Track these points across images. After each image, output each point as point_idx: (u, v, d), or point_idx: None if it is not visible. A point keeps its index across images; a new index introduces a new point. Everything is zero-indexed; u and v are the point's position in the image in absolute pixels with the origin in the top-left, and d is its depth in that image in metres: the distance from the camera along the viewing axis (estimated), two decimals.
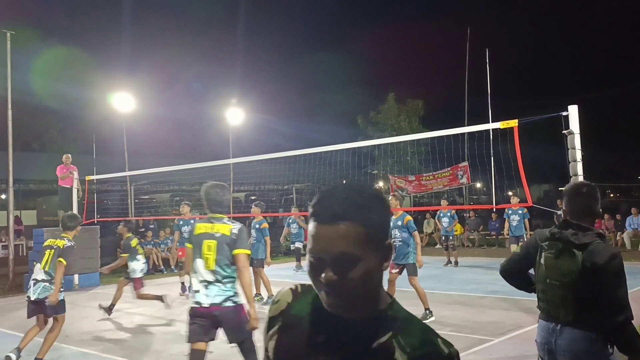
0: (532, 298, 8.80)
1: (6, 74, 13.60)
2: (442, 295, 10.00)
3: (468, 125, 13.28)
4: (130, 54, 43.36)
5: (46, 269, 6.10)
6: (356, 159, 14.06)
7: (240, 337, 4.31)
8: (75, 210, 13.24)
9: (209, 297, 4.28)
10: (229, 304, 4.27)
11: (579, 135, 6.62)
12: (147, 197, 25.83)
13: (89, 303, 10.61)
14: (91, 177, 13.71)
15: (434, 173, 21.66)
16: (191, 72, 44.83)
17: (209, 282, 4.30)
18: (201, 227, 4.45)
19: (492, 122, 7.78)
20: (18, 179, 19.03)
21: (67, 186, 13.34)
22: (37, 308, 6.18)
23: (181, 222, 11.91)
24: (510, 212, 12.96)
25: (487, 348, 6.33)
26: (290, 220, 15.40)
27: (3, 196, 24.32)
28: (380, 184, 28.70)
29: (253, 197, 31.66)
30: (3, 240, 15.77)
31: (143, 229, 17.06)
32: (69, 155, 13.63)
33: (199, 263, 4.35)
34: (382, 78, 52.97)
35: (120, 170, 15.23)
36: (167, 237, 16.51)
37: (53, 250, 6.12)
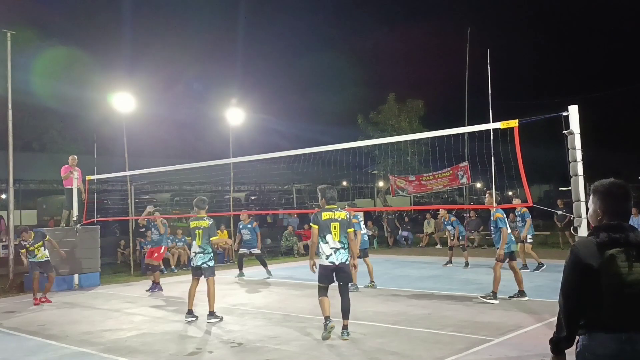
0: (533, 298, 8.83)
1: (6, 74, 13.58)
2: (443, 295, 10.00)
3: (468, 125, 13.24)
4: (130, 54, 43.40)
5: (199, 244, 8.38)
6: (356, 158, 14.03)
7: (348, 280, 7.14)
8: (75, 210, 13.24)
9: (338, 258, 6.90)
10: (347, 261, 7.01)
11: (579, 136, 6.62)
12: (147, 197, 25.82)
13: (89, 303, 10.62)
14: (91, 177, 13.69)
15: (434, 173, 21.64)
16: (191, 72, 44.89)
17: (337, 249, 6.91)
18: (325, 215, 6.99)
19: (493, 122, 7.77)
20: (18, 179, 18.98)
21: (69, 187, 13.34)
22: (198, 272, 8.45)
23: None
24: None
25: (487, 348, 6.32)
26: (241, 226, 13.97)
27: (3, 196, 24.32)
28: (381, 183, 28.69)
29: (253, 197, 31.68)
30: (3, 240, 15.75)
31: (143, 229, 17.03)
32: (75, 157, 13.61)
33: (329, 237, 6.92)
34: (382, 78, 52.98)
35: (120, 170, 15.19)
36: (168, 237, 16.48)
37: (201, 230, 8.38)
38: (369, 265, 11.18)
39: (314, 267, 7.07)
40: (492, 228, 9.47)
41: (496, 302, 9.01)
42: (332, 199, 7.16)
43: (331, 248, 6.90)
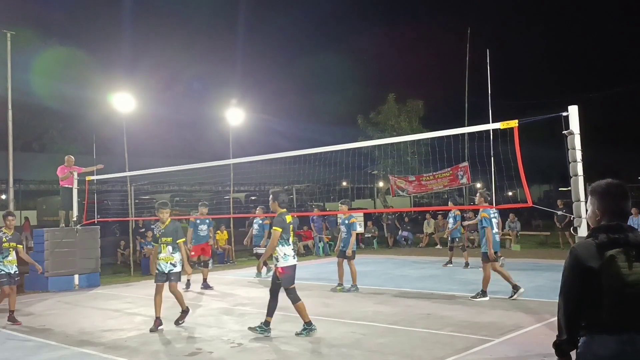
0: (533, 298, 8.82)
1: (6, 74, 13.58)
2: (443, 295, 10.00)
3: (468, 125, 13.26)
4: (130, 54, 43.40)
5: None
6: (356, 159, 14.02)
7: None
8: (75, 210, 13.24)
9: (296, 258, 7.39)
10: None
11: (579, 136, 6.62)
12: (147, 197, 25.84)
13: (89, 303, 10.62)
14: (91, 177, 13.67)
15: (434, 173, 21.63)
16: (191, 72, 44.92)
17: (294, 250, 7.37)
18: (288, 218, 7.29)
19: (492, 122, 7.78)
20: (18, 179, 19.02)
21: (68, 186, 13.33)
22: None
23: (198, 222, 12.35)
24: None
25: (487, 348, 6.32)
26: (254, 221, 14.26)
27: (3, 196, 24.34)
28: (381, 184, 28.70)
29: (253, 197, 31.69)
30: None
31: (143, 229, 17.04)
32: (72, 156, 13.61)
33: (289, 239, 7.25)
34: (382, 78, 53.00)
35: (120, 170, 15.18)
36: None
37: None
38: (353, 269, 10.86)
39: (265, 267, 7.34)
40: (479, 227, 9.74)
41: (486, 298, 9.28)
42: (284, 202, 7.53)
43: (292, 249, 7.30)
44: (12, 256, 8.73)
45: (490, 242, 9.29)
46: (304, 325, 7.19)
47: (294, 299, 7.16)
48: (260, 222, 13.78)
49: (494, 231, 9.45)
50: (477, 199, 9.94)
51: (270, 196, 7.52)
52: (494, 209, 9.53)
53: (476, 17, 49.99)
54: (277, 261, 7.19)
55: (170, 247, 8.01)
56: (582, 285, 2.64)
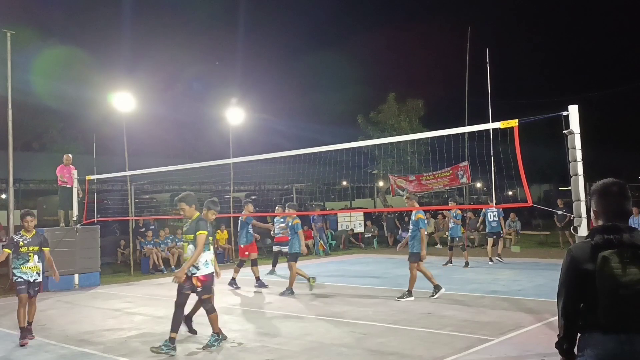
0: (533, 298, 8.84)
1: (6, 74, 13.57)
2: (442, 295, 10.00)
3: (468, 125, 13.24)
4: (130, 54, 43.40)
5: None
6: (356, 158, 14.02)
7: None
8: (75, 210, 13.23)
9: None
10: None
11: (579, 135, 6.62)
12: (147, 196, 25.84)
13: (89, 302, 10.62)
14: (91, 177, 13.69)
15: (434, 173, 21.65)
16: (191, 71, 44.87)
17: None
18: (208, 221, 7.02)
19: (492, 121, 7.77)
20: (18, 178, 19.01)
21: (67, 185, 13.32)
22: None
23: (248, 220, 12.36)
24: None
25: (487, 348, 6.33)
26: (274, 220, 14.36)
27: (3, 196, 24.35)
28: (381, 183, 28.69)
29: (253, 197, 31.70)
30: (3, 240, 15.74)
31: (143, 229, 17.03)
32: (70, 155, 13.61)
33: (210, 245, 6.84)
34: (382, 78, 52.99)
35: (120, 170, 15.17)
36: (167, 236, 16.47)
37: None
38: (295, 273, 10.69)
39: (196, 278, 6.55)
40: (411, 227, 9.83)
41: (412, 298, 9.49)
42: (197, 205, 6.97)
43: (211, 254, 6.86)
44: (33, 262, 7.55)
45: (424, 243, 9.56)
46: (213, 335, 6.78)
47: (210, 309, 6.70)
48: (277, 218, 13.97)
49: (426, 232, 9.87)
50: (407, 202, 10.21)
51: (182, 203, 6.73)
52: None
53: (476, 17, 49.99)
54: (198, 269, 6.57)
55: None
56: (577, 285, 2.67)
